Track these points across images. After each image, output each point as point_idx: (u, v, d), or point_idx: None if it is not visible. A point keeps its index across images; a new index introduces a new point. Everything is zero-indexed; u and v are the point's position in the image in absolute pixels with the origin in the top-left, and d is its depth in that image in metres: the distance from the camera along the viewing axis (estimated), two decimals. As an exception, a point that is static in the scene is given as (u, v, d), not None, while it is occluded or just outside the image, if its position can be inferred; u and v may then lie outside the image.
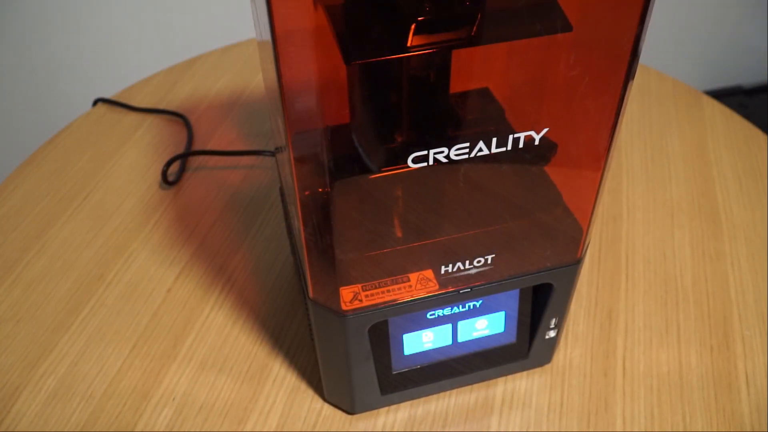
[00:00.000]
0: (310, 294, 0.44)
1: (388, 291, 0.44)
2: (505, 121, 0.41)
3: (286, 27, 0.30)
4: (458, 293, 0.45)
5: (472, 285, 0.45)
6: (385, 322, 0.47)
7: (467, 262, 0.44)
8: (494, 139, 0.38)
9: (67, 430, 0.52)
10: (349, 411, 0.52)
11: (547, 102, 0.40)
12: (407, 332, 0.49)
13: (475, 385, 0.54)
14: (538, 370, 0.55)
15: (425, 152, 0.37)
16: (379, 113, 0.41)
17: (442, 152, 0.37)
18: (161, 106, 0.82)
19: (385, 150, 0.41)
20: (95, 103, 0.84)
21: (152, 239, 0.66)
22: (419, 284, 0.44)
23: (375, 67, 0.38)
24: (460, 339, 0.50)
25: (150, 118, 0.81)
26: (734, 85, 1.54)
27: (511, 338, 0.52)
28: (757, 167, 0.74)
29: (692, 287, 0.62)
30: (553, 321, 0.51)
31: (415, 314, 0.47)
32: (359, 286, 0.43)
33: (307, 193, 0.38)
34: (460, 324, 0.50)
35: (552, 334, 0.52)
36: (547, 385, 0.54)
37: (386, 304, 0.44)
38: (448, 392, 0.54)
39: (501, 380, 0.55)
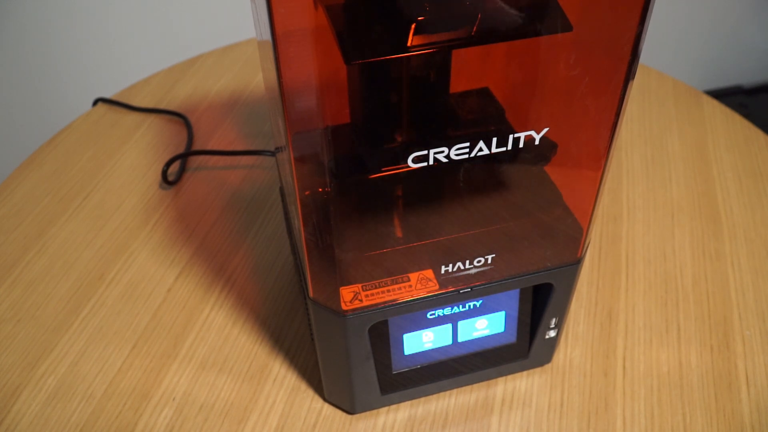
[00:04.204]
0: (311, 294, 0.44)
1: (388, 291, 0.44)
2: (505, 121, 0.41)
3: (286, 27, 0.30)
4: (458, 293, 0.45)
5: (472, 285, 0.45)
6: (385, 322, 0.47)
7: (467, 261, 0.44)
8: (494, 139, 0.38)
9: (67, 430, 0.52)
10: (349, 411, 0.52)
11: (547, 102, 0.40)
12: (407, 332, 0.49)
13: (475, 385, 0.54)
14: (538, 370, 0.55)
15: (425, 152, 0.37)
16: (379, 113, 0.41)
17: (442, 152, 0.37)
18: (161, 106, 0.83)
19: (385, 150, 0.41)
20: (95, 103, 0.84)
21: (152, 239, 0.66)
22: (419, 284, 0.44)
23: (375, 67, 0.38)
24: (460, 339, 0.50)
25: (150, 118, 0.81)
26: (734, 85, 1.54)
27: (512, 338, 0.52)
28: (757, 167, 0.74)
29: (692, 287, 0.62)
30: (554, 321, 0.51)
31: (415, 314, 0.47)
32: (359, 285, 0.43)
33: (307, 193, 0.38)
34: (460, 324, 0.50)
35: (552, 334, 0.52)
36: (547, 385, 0.54)
37: (386, 304, 0.44)
38: (448, 392, 0.54)
39: (501, 380, 0.55)
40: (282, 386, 0.54)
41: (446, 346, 0.51)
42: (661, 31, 1.27)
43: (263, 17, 0.32)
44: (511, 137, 0.38)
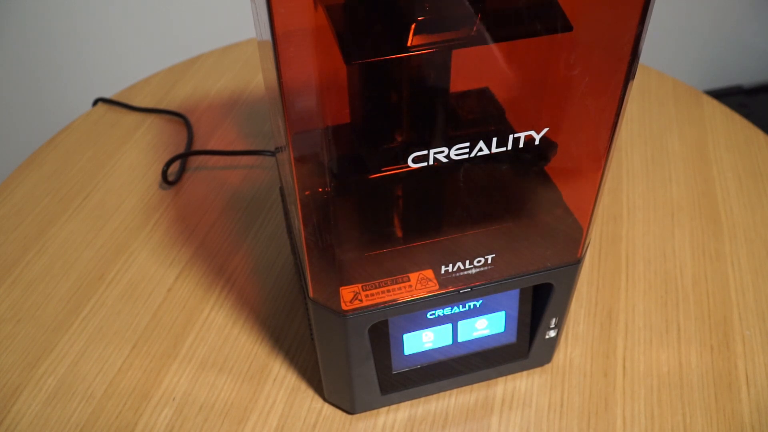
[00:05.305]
0: (311, 294, 0.44)
1: (388, 291, 0.44)
2: (505, 121, 0.41)
3: (286, 27, 0.30)
4: (458, 293, 0.45)
5: (472, 285, 0.45)
6: (385, 322, 0.47)
7: (467, 261, 0.44)
8: (494, 139, 0.38)
9: (67, 430, 0.52)
10: (349, 411, 0.52)
11: (547, 102, 0.40)
12: (407, 332, 0.49)
13: (475, 385, 0.54)
14: (538, 370, 0.55)
15: (425, 152, 0.37)
16: (379, 113, 0.41)
17: (442, 152, 0.37)
18: (161, 106, 0.83)
19: (385, 150, 0.41)
20: (95, 103, 0.84)
21: (152, 239, 0.66)
22: (419, 284, 0.44)
23: (375, 67, 0.38)
24: (460, 339, 0.50)
25: (150, 118, 0.81)
26: (734, 85, 1.53)
27: (512, 338, 0.52)
28: (757, 167, 0.74)
29: (692, 287, 0.62)
30: (553, 321, 0.51)
31: (415, 314, 0.47)
32: (359, 285, 0.43)
33: (307, 193, 0.38)
34: (460, 324, 0.50)
35: (552, 334, 0.52)
36: (547, 385, 0.54)
37: (386, 304, 0.44)
38: (448, 392, 0.54)
39: (501, 380, 0.55)
40: (282, 386, 0.54)
41: (446, 346, 0.51)
42: (661, 31, 1.27)
43: (263, 17, 0.32)
44: (511, 137, 0.38)
